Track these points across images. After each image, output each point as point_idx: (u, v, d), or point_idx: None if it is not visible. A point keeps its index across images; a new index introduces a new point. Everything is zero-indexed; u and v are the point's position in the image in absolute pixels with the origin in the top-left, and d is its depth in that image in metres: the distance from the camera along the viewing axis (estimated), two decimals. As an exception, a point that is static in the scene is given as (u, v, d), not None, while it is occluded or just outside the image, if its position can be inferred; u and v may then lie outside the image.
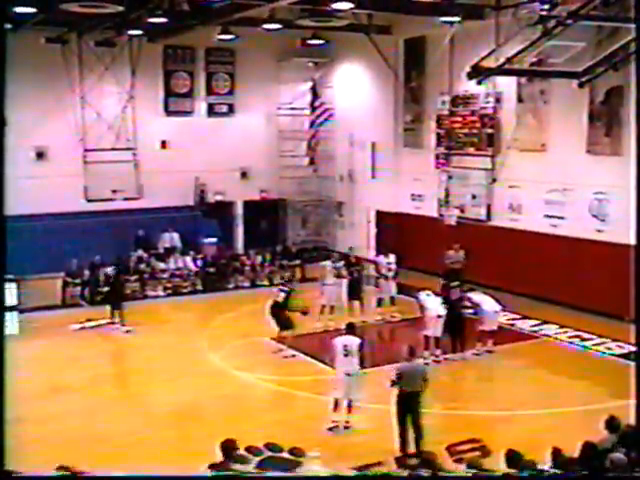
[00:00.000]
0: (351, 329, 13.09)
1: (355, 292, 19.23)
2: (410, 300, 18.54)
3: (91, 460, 11.32)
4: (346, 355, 12.58)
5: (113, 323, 18.84)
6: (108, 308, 19.06)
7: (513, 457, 8.42)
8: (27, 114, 21.96)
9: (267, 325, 17.32)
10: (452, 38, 21.84)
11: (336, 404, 12.64)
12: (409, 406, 11.51)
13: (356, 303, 19.22)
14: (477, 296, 16.90)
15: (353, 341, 12.71)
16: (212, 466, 9.19)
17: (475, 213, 23.01)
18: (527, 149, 21.18)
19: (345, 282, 19.25)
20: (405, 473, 9.88)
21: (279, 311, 17.01)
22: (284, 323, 16.93)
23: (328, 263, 19.55)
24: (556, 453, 8.65)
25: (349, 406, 12.60)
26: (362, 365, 12.72)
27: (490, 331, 16.58)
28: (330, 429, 12.48)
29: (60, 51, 23.39)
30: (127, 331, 18.51)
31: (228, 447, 8.98)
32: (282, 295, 17.14)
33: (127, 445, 12.03)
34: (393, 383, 11.65)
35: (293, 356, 16.55)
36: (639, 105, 16.37)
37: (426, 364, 15.58)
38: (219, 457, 9.54)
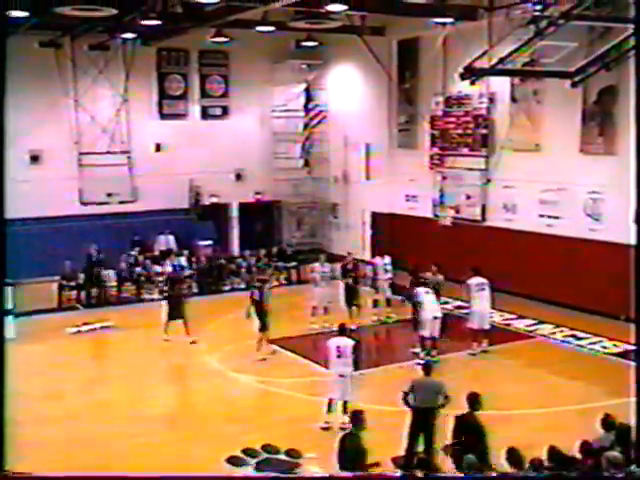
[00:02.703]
0: (343, 331, 13.12)
1: (351, 299, 18.86)
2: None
3: (89, 463, 11.37)
4: (339, 357, 12.59)
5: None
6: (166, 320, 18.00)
7: (513, 455, 8.43)
8: (21, 118, 21.81)
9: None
10: (445, 39, 21.91)
11: (329, 405, 12.66)
12: (424, 423, 10.89)
13: (352, 309, 18.90)
14: (474, 281, 16.75)
15: (347, 343, 12.73)
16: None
17: (470, 213, 23.03)
18: (521, 149, 21.21)
19: (342, 285, 19.10)
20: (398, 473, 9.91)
21: (260, 310, 16.84)
22: (263, 323, 16.78)
23: (316, 265, 19.44)
24: (553, 452, 8.69)
25: (344, 407, 12.58)
26: (356, 367, 12.69)
27: (480, 330, 16.59)
28: (323, 429, 12.50)
29: (54, 55, 23.44)
30: (192, 342, 17.74)
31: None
32: (257, 294, 16.98)
33: (125, 448, 12.03)
34: (405, 397, 11.11)
35: (272, 354, 16.57)
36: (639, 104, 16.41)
37: (420, 364, 15.63)
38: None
